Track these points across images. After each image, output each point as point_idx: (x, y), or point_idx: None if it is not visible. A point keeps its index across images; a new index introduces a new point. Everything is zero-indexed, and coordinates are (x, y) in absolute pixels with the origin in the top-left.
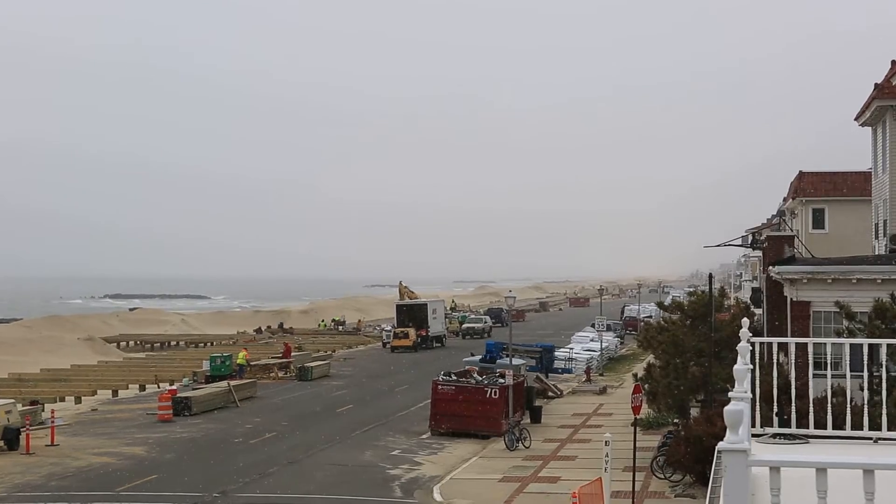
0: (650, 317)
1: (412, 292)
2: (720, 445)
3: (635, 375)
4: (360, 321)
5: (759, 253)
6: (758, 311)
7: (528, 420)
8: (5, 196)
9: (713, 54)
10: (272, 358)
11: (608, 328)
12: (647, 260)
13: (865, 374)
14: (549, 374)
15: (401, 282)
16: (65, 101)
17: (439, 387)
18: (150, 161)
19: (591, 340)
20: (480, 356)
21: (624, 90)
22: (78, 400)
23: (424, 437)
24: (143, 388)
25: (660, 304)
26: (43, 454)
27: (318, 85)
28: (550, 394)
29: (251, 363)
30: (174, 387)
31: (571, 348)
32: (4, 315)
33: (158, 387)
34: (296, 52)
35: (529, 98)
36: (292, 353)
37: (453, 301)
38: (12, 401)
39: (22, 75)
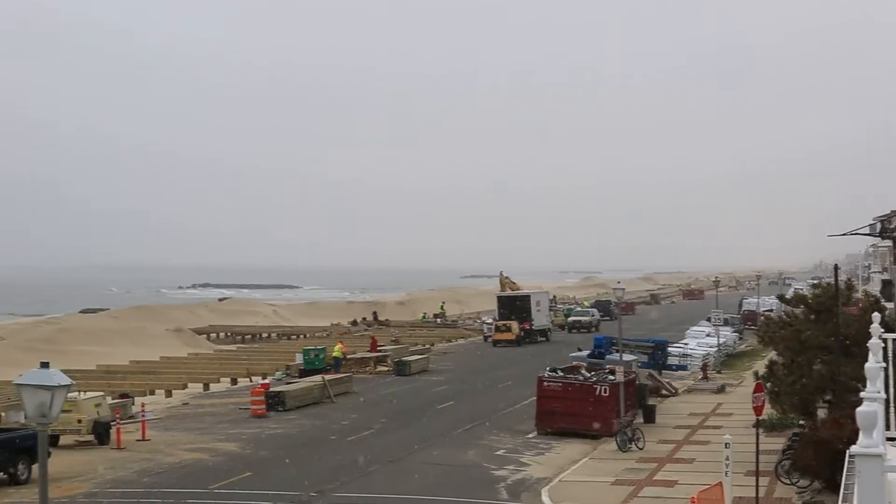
0: (771, 311)
1: (514, 283)
2: (853, 449)
3: (756, 373)
4: (460, 315)
5: (889, 242)
6: (889, 305)
7: (641, 420)
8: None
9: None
10: (368, 351)
11: (725, 322)
12: (765, 250)
13: None
14: (663, 371)
15: (502, 272)
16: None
17: (545, 383)
18: (224, 158)
19: (707, 335)
20: (588, 351)
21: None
22: (168, 393)
23: (530, 436)
24: (234, 381)
25: (781, 297)
26: (134, 449)
27: (371, 70)
28: (664, 392)
29: (347, 356)
30: (267, 381)
31: (686, 343)
32: (90, 305)
33: (250, 380)
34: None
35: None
36: (389, 347)
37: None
38: (102, 394)
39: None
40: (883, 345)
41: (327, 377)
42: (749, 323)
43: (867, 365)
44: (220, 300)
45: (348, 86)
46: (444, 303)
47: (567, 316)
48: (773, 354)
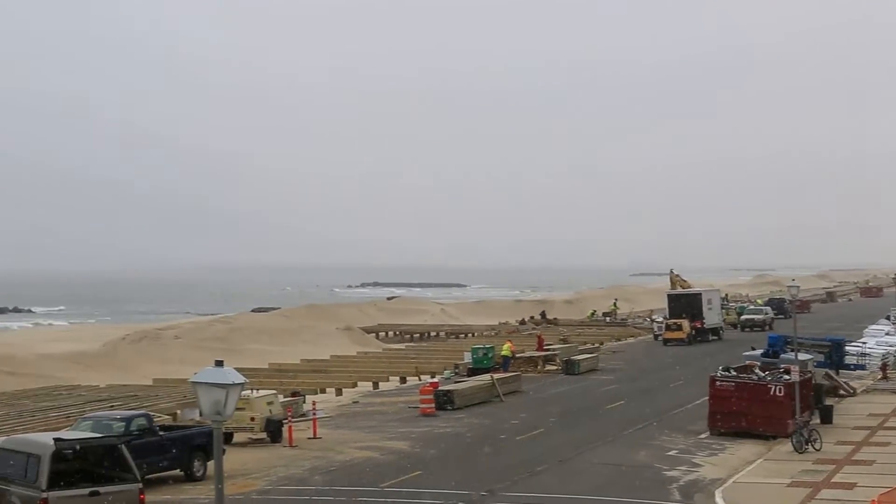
0: None
1: (685, 281)
2: None
3: None
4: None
5: None
6: None
7: (818, 420)
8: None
9: None
10: (535, 350)
11: None
12: None
13: None
14: (840, 371)
15: (672, 270)
16: None
17: (718, 383)
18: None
19: (887, 334)
20: (762, 350)
21: None
22: (339, 392)
23: (703, 436)
24: (403, 380)
25: None
26: (305, 447)
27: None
28: (842, 392)
29: (516, 355)
30: (436, 379)
31: (864, 342)
32: (260, 303)
33: (419, 379)
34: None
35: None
36: (557, 346)
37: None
38: (274, 392)
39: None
40: None
41: (496, 376)
42: None
43: None
44: (389, 299)
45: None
46: (616, 300)
47: (739, 314)
48: None
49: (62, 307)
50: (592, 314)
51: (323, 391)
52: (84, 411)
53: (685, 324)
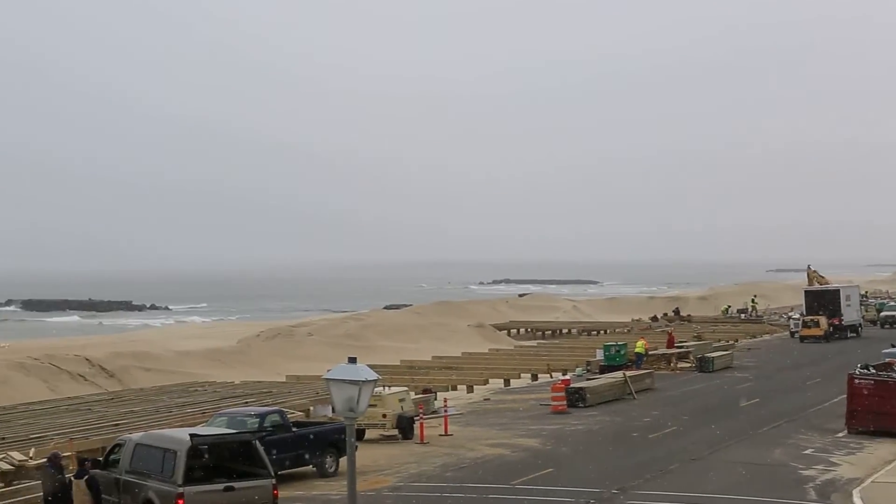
0: None
1: (822, 277)
2: None
3: None
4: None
5: None
6: None
7: None
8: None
9: None
10: (667, 347)
11: None
12: None
13: None
14: None
15: (809, 266)
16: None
17: (856, 381)
18: None
19: None
20: None
21: None
22: (470, 389)
23: (840, 435)
24: (534, 377)
25: None
26: (436, 444)
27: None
28: None
29: (649, 353)
30: (567, 377)
31: None
32: (393, 300)
33: (551, 376)
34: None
35: None
36: (691, 343)
37: (864, 290)
38: (405, 389)
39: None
40: None
41: (628, 373)
42: None
43: None
44: (521, 296)
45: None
46: (755, 296)
47: (879, 311)
48: None
49: (204, 304)
50: (727, 310)
51: (454, 388)
52: (219, 407)
53: (823, 320)
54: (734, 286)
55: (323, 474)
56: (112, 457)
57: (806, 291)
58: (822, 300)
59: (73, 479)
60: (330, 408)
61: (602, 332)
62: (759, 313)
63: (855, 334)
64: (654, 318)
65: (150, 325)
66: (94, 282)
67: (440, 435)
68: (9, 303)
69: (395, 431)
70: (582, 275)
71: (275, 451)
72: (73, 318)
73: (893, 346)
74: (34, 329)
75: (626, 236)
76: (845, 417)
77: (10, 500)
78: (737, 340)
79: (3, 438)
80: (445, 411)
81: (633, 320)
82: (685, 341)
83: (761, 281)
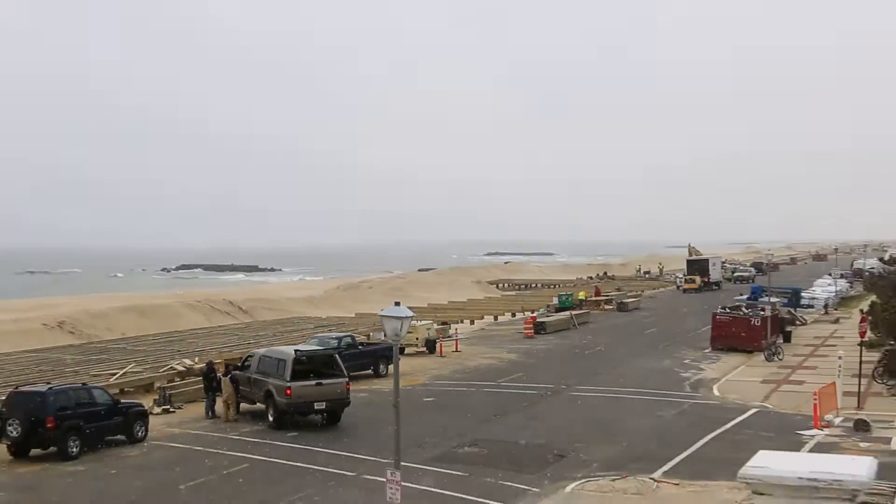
0: (874, 269)
1: (698, 251)
2: None
3: (861, 310)
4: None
5: None
6: None
7: (781, 340)
8: None
9: None
10: (595, 296)
11: (841, 276)
12: (872, 226)
13: None
14: (797, 308)
15: (690, 243)
16: None
17: (717, 317)
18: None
19: (829, 285)
20: (747, 296)
21: None
22: (472, 322)
23: (706, 351)
24: (514, 314)
25: (881, 259)
26: (450, 357)
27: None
28: (798, 322)
29: (588, 299)
30: (534, 314)
31: (814, 290)
32: (424, 265)
33: (524, 314)
34: None
35: None
36: (613, 293)
37: (724, 259)
38: (431, 321)
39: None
40: None
41: (574, 312)
42: (857, 277)
43: None
44: (505, 263)
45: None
46: (659, 264)
47: (733, 273)
48: (873, 297)
49: (309, 267)
50: (638, 270)
51: (462, 321)
52: (313, 333)
53: (697, 279)
54: (643, 256)
55: (378, 375)
56: (246, 363)
57: (688, 260)
58: (697, 265)
59: (221, 377)
60: (382, 333)
61: (557, 286)
62: (660, 274)
63: (717, 287)
64: (591, 278)
65: (270, 281)
66: (245, 252)
67: (453, 351)
68: (194, 267)
69: (424, 349)
70: (544, 249)
71: (347, 361)
72: (234, 276)
73: (741, 295)
74: (203, 283)
75: (581, 219)
76: (710, 340)
77: (183, 389)
78: (643, 292)
79: (179, 351)
80: (456, 336)
81: (577, 279)
82: (609, 292)
83: (661, 253)
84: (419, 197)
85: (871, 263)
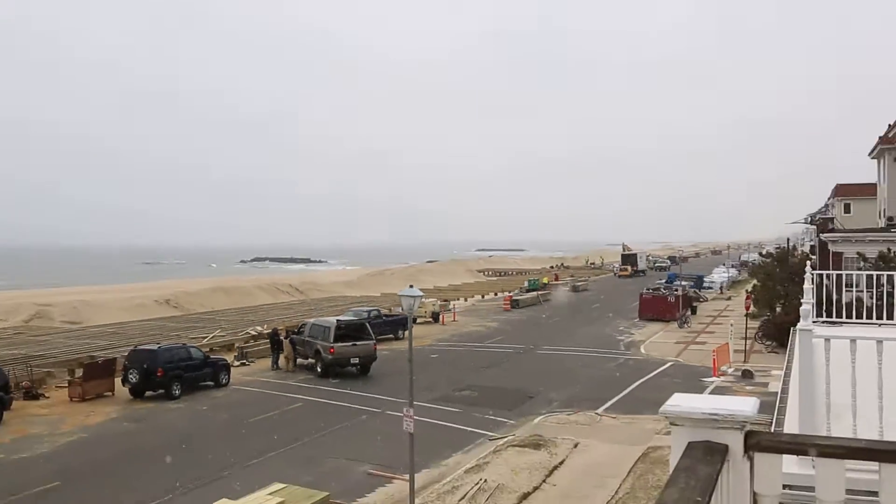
0: (755, 260)
1: (629, 247)
2: (799, 326)
3: (747, 290)
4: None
5: (814, 226)
6: (813, 257)
7: (689, 313)
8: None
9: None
10: (556, 280)
11: (732, 266)
12: (754, 228)
13: (874, 290)
14: (701, 289)
15: (623, 243)
16: None
17: (643, 295)
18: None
19: (723, 273)
20: (665, 280)
21: None
22: (465, 299)
23: (635, 320)
24: (496, 294)
25: (760, 254)
26: (449, 326)
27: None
28: (701, 300)
29: (550, 283)
30: (510, 294)
31: (712, 276)
32: (430, 258)
33: (504, 294)
34: None
35: None
36: (567, 278)
37: (648, 253)
38: (435, 299)
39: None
40: (811, 276)
41: (539, 293)
42: (744, 267)
43: (804, 286)
44: (489, 256)
45: None
46: (601, 257)
47: (654, 263)
48: (755, 281)
49: (343, 258)
50: (587, 262)
51: (458, 299)
52: (349, 307)
53: (629, 268)
54: (591, 251)
55: (396, 339)
56: (300, 329)
57: (622, 255)
58: (629, 258)
59: (283, 339)
60: (400, 308)
61: (527, 273)
62: (601, 264)
63: (643, 274)
64: (551, 267)
65: (319, 270)
66: (300, 247)
67: (452, 321)
68: (264, 259)
69: (431, 319)
70: (518, 246)
71: (374, 328)
72: (293, 266)
73: (661, 280)
74: (270, 271)
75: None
76: (638, 312)
77: (255, 348)
78: (590, 278)
79: (252, 320)
80: (454, 310)
81: (542, 268)
82: (565, 277)
83: (603, 248)
84: (427, 199)
85: (754, 257)
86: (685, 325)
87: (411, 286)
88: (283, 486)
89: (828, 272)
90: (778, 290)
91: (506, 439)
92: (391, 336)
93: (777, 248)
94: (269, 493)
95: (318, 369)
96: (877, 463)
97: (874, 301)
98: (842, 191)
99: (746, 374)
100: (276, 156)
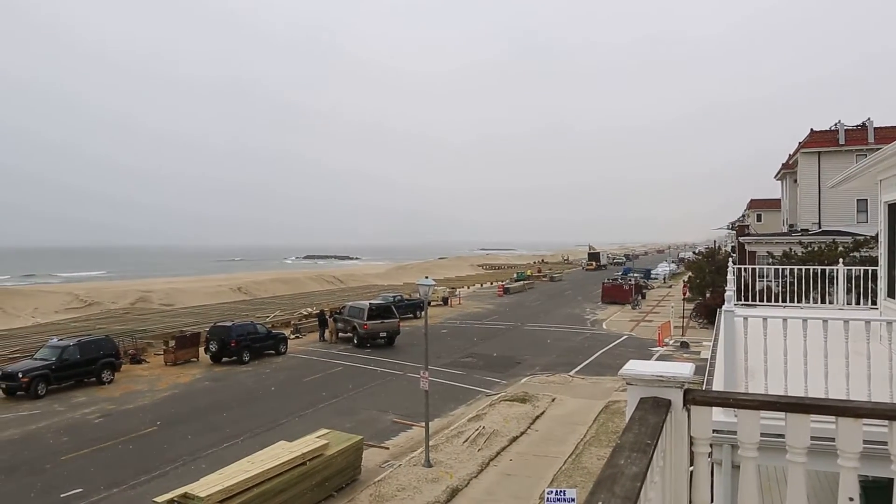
0: (690, 258)
1: (594, 248)
2: (723, 308)
3: (684, 280)
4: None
5: (734, 231)
6: (734, 255)
7: (641, 297)
8: None
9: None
10: (539, 272)
11: (672, 262)
12: (688, 232)
13: (780, 280)
14: (649, 280)
15: (590, 244)
16: None
17: (605, 284)
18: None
19: (666, 267)
20: (621, 272)
21: None
22: (469, 287)
23: (599, 303)
24: (492, 283)
25: (693, 252)
26: (457, 308)
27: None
28: (649, 287)
29: (534, 275)
30: (504, 283)
31: (657, 269)
32: (441, 255)
33: (498, 283)
34: None
35: None
36: (547, 272)
37: (608, 252)
38: (444, 287)
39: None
40: (733, 269)
41: (525, 283)
42: (681, 262)
43: (727, 277)
44: (487, 254)
45: None
46: (569, 255)
47: (613, 259)
48: (690, 273)
49: (370, 255)
50: (564, 259)
51: (463, 287)
52: (379, 293)
53: (594, 263)
54: (565, 250)
55: (416, 318)
56: (342, 310)
57: (588, 253)
58: (594, 256)
59: (328, 317)
60: (418, 293)
61: (516, 267)
62: (570, 261)
63: (605, 268)
64: (533, 263)
65: (356, 264)
66: (334, 245)
67: (458, 304)
68: (315, 256)
69: (441, 303)
70: (510, 246)
71: (399, 309)
72: (336, 262)
73: (618, 272)
74: (319, 266)
75: (537, 225)
76: (601, 297)
77: (307, 324)
78: (564, 270)
79: (304, 303)
80: (459, 295)
81: (526, 264)
82: (545, 271)
83: (573, 249)
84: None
85: (689, 255)
86: (637, 307)
87: (426, 277)
88: (328, 430)
89: (745, 266)
90: (707, 280)
91: (499, 395)
92: (411, 315)
93: (707, 248)
94: (317, 437)
95: (355, 341)
96: (783, 413)
97: (780, 289)
98: (755, 204)
99: (684, 345)
100: (315, 181)
